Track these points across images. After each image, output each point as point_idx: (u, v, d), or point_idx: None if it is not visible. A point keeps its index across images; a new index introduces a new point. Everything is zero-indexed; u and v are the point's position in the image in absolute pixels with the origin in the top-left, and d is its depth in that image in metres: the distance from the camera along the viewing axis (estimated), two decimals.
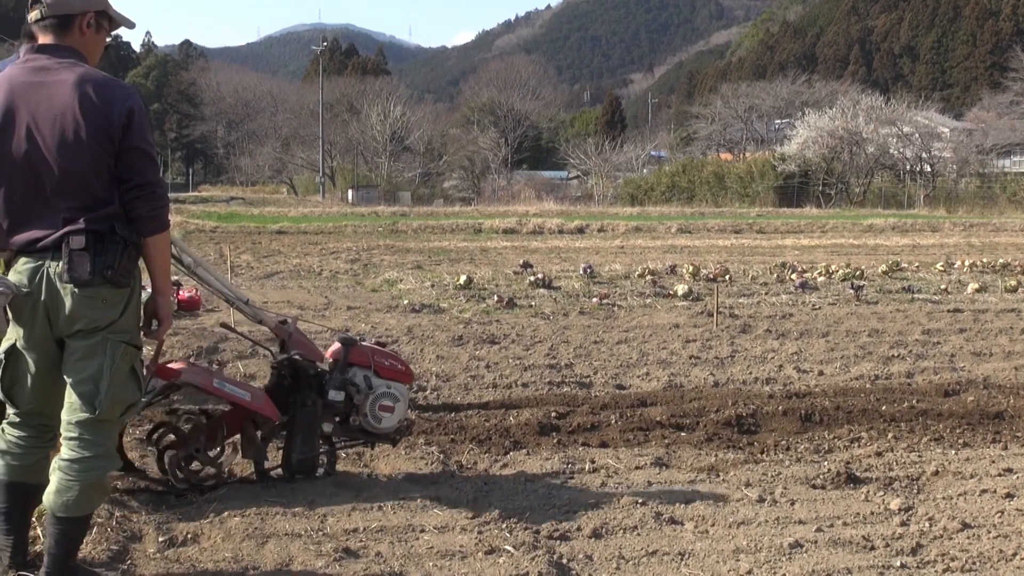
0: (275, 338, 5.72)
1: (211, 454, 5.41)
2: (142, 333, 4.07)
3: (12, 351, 3.90)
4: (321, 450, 5.70)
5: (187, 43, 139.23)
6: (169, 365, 5.35)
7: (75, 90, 3.77)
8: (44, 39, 3.91)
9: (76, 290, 3.74)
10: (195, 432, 5.34)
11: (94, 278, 3.74)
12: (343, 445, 5.96)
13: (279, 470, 5.62)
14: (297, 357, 5.55)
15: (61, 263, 3.74)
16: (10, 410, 3.99)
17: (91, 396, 3.79)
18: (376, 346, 5.91)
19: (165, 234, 3.95)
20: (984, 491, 5.57)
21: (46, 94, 3.79)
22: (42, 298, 3.77)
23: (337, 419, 5.70)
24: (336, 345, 5.80)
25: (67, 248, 3.74)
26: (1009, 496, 5.46)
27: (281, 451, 5.68)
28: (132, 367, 3.91)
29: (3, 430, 4.03)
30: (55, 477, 3.84)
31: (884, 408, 7.64)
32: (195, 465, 5.37)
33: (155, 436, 5.52)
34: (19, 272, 3.81)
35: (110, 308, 3.80)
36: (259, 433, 5.52)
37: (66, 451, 3.83)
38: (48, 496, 3.84)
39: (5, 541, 4.01)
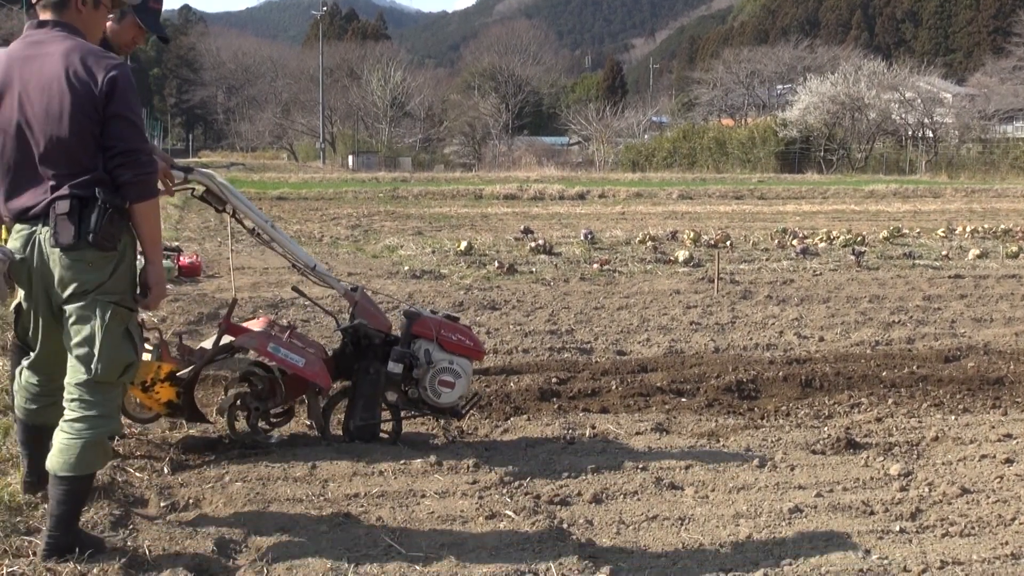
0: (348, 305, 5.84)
1: (273, 412, 5.64)
2: (136, 299, 4.14)
3: (20, 307, 4.16)
4: (389, 419, 5.80)
5: (186, 8, 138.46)
6: (244, 324, 5.64)
7: (62, 61, 3.90)
8: (44, 16, 4.06)
9: (62, 254, 3.87)
10: (257, 389, 5.51)
11: (78, 242, 3.85)
12: (409, 415, 5.99)
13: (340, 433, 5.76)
14: (361, 325, 5.63)
15: (48, 229, 3.89)
16: (31, 354, 4.24)
17: (87, 359, 3.92)
18: (446, 319, 5.86)
19: (152, 202, 4.05)
20: (983, 456, 5.59)
21: (37, 66, 3.93)
22: (35, 264, 3.94)
23: (404, 389, 5.76)
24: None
25: (53, 214, 3.87)
26: (1008, 461, 5.47)
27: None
28: (126, 328, 4.03)
29: (20, 372, 4.29)
30: (58, 438, 3.94)
31: (884, 374, 7.65)
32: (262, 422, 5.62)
33: (226, 393, 5.73)
34: (15, 239, 3.97)
35: (96, 271, 3.91)
36: (321, 398, 5.66)
37: (68, 412, 3.95)
38: (51, 459, 3.93)
39: (25, 456, 4.47)
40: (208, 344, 5.62)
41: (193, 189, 5.38)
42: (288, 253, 5.66)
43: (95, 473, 4.12)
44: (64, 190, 3.88)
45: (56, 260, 3.89)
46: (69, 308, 3.94)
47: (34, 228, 3.93)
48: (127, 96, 3.94)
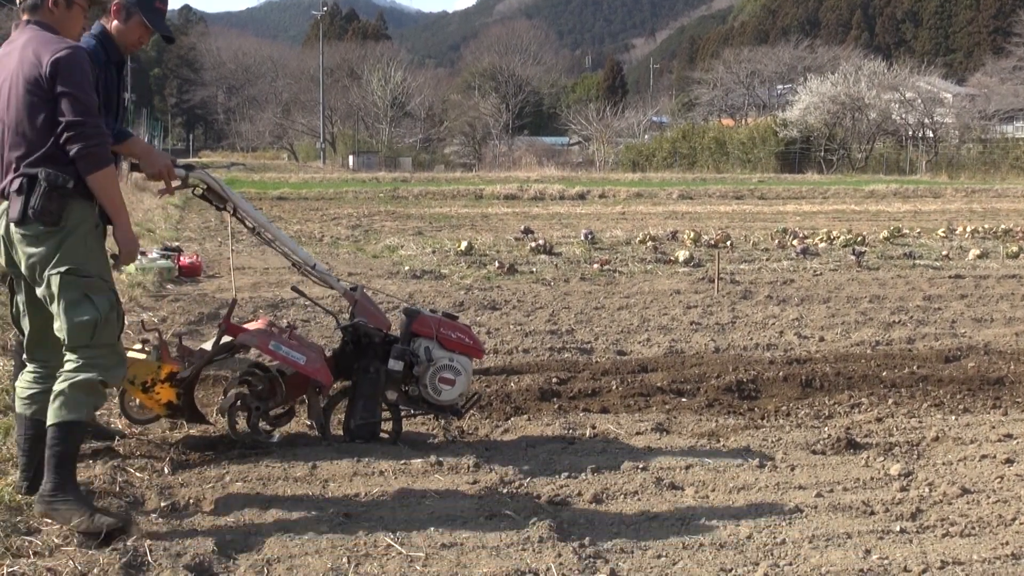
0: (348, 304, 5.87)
1: (273, 413, 5.63)
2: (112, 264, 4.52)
3: (10, 285, 4.59)
4: (389, 418, 5.80)
5: (187, 8, 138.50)
6: (243, 325, 5.66)
7: (19, 53, 4.32)
8: (24, 18, 4.49)
9: (16, 228, 4.29)
10: (257, 390, 5.52)
11: (25, 217, 4.25)
12: (409, 414, 5.99)
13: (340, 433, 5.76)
14: (361, 324, 5.65)
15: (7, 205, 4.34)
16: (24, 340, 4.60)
17: (60, 329, 4.31)
18: (445, 318, 5.89)
19: (104, 171, 4.30)
20: (984, 456, 5.59)
21: (7, 61, 4.38)
22: (4, 236, 4.39)
23: (403, 388, 5.76)
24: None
25: (10, 191, 4.31)
26: (1009, 461, 5.47)
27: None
28: (85, 293, 4.30)
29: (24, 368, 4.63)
30: (52, 398, 4.28)
31: (885, 374, 7.65)
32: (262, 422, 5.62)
33: (226, 392, 5.73)
34: None
35: (43, 244, 4.26)
36: (321, 397, 5.67)
37: (61, 370, 4.35)
38: (48, 418, 4.29)
39: (21, 456, 4.63)
40: (208, 345, 5.63)
41: (194, 188, 5.41)
42: (289, 251, 5.69)
43: (82, 424, 4.37)
44: (20, 170, 4.27)
45: (13, 234, 4.31)
46: (39, 291, 4.34)
47: (4, 206, 4.36)
48: (71, 74, 4.21)
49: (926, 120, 60.36)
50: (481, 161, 70.14)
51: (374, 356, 5.67)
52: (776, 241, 17.31)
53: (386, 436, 5.76)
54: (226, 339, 5.51)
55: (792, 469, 5.40)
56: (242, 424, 5.59)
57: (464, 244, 15.61)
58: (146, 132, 76.26)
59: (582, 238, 17.25)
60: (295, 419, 5.96)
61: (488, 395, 6.90)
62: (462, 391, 5.77)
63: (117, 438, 5.60)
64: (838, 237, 17.45)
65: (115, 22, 5.21)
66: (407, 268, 13.59)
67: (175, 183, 5.24)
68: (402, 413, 5.89)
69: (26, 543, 4.04)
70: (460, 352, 5.77)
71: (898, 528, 4.53)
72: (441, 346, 5.74)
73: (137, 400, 5.59)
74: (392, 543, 4.20)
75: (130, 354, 5.42)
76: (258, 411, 5.51)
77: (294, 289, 6.31)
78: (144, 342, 5.64)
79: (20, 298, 4.53)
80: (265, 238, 5.66)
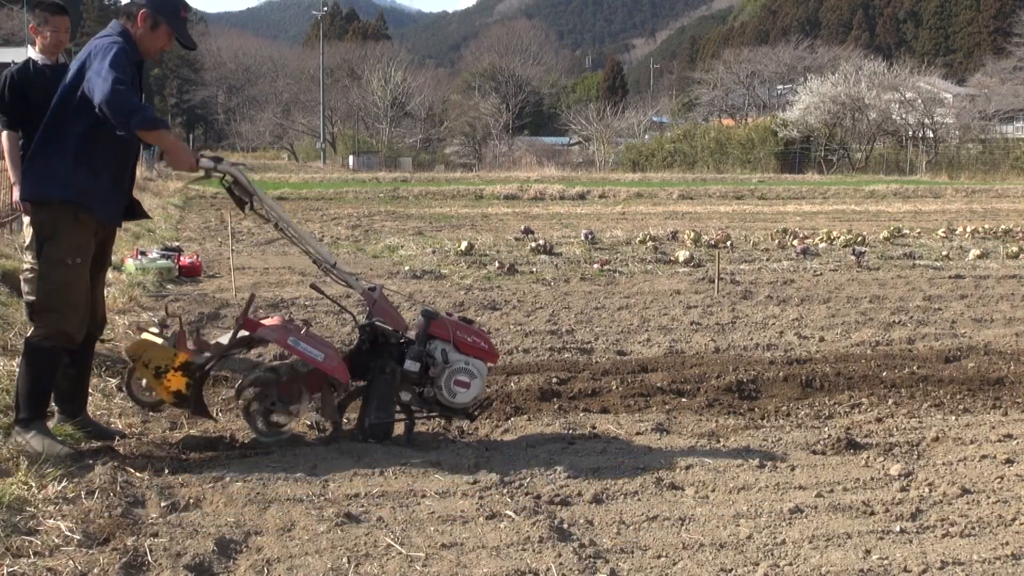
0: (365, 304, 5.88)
1: (290, 409, 5.59)
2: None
3: None
4: (400, 418, 5.80)
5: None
6: (260, 320, 5.65)
7: None
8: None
9: None
10: (273, 385, 5.51)
11: None
12: (421, 416, 6.00)
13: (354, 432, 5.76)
14: (378, 324, 5.66)
15: None
16: None
17: None
18: (461, 322, 5.91)
19: None
20: (984, 457, 5.58)
21: None
22: None
23: (416, 389, 5.76)
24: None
25: None
26: (1009, 462, 5.47)
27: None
28: None
29: None
30: None
31: (885, 374, 7.65)
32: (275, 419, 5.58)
33: (240, 389, 5.71)
34: None
35: None
36: (336, 396, 5.67)
37: None
38: None
39: None
40: (225, 339, 5.63)
41: (223, 177, 5.48)
42: (311, 249, 5.74)
43: None
44: None
45: None
46: None
47: None
48: None
49: (926, 120, 60.38)
50: (481, 161, 70.21)
51: (390, 356, 5.68)
52: (776, 241, 17.31)
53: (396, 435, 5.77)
54: (243, 334, 5.51)
55: (792, 469, 5.40)
56: (262, 424, 5.56)
57: (464, 244, 15.61)
58: None
59: (582, 238, 17.26)
60: (294, 420, 5.96)
61: (488, 395, 6.89)
62: (476, 395, 5.78)
63: (117, 438, 5.61)
64: (838, 237, 17.46)
65: (140, 29, 5.32)
66: (407, 268, 13.59)
67: (198, 174, 5.36)
68: (415, 414, 5.90)
69: (26, 543, 4.04)
70: (476, 356, 5.79)
71: (898, 528, 4.52)
72: (458, 349, 5.75)
73: (145, 382, 5.56)
74: (392, 543, 4.20)
75: (147, 337, 5.43)
76: (273, 405, 5.51)
77: (313, 287, 6.33)
78: (163, 327, 5.65)
79: None
80: (288, 235, 5.70)
